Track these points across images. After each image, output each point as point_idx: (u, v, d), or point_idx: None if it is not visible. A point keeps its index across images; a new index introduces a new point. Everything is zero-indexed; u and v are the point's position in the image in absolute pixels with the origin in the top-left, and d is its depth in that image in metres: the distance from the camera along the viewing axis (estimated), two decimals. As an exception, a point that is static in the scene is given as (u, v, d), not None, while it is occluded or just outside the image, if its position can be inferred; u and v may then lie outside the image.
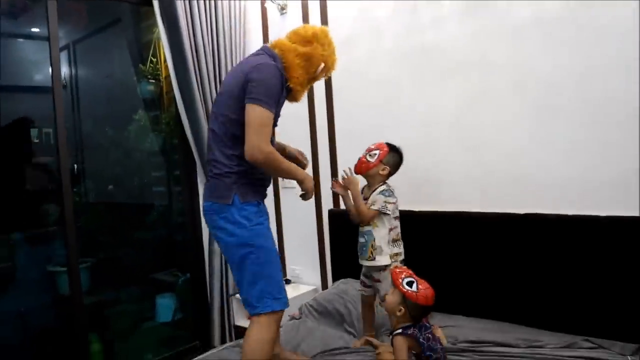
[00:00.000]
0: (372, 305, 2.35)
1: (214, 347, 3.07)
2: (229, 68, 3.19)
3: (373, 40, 2.82)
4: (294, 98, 2.02)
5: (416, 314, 1.88)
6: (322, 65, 1.96)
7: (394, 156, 2.26)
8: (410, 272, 1.97)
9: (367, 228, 2.23)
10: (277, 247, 1.96)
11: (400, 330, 1.88)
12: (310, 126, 3.15)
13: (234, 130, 1.83)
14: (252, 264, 1.82)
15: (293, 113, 3.16)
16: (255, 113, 1.75)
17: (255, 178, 1.90)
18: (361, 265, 2.31)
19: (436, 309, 2.48)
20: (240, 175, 1.85)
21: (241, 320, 3.26)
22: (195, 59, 3.04)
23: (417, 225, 2.58)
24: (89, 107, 4.06)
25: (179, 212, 3.58)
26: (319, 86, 3.06)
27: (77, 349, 2.71)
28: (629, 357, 1.89)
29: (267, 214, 1.96)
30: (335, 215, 3.05)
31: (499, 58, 2.38)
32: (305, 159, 2.26)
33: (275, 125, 1.91)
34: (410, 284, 1.90)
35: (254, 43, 3.34)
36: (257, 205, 1.89)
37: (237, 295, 3.24)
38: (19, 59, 3.55)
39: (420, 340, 1.86)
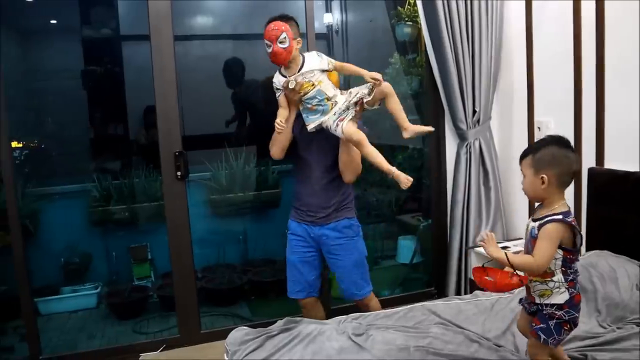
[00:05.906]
0: None
1: (446, 296, 3.05)
2: (482, 16, 3.02)
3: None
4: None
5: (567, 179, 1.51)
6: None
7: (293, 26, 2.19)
8: None
9: None
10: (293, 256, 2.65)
11: (560, 217, 1.46)
12: (574, 68, 2.68)
13: None
14: None
15: (555, 51, 2.76)
16: None
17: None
18: None
19: None
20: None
21: (478, 275, 3.12)
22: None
23: None
24: (356, 51, 4.31)
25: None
26: (588, 15, 2.56)
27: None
28: None
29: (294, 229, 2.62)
30: (597, 175, 2.58)
31: None
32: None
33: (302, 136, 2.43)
34: None
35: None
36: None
37: (476, 249, 3.11)
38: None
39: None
